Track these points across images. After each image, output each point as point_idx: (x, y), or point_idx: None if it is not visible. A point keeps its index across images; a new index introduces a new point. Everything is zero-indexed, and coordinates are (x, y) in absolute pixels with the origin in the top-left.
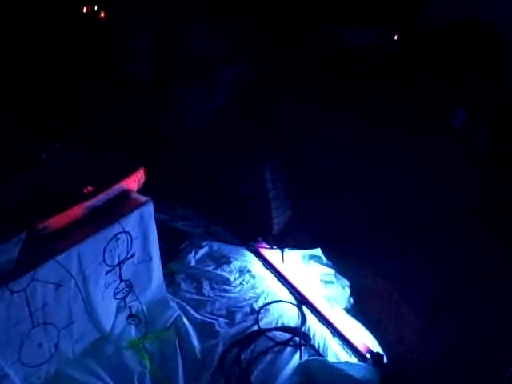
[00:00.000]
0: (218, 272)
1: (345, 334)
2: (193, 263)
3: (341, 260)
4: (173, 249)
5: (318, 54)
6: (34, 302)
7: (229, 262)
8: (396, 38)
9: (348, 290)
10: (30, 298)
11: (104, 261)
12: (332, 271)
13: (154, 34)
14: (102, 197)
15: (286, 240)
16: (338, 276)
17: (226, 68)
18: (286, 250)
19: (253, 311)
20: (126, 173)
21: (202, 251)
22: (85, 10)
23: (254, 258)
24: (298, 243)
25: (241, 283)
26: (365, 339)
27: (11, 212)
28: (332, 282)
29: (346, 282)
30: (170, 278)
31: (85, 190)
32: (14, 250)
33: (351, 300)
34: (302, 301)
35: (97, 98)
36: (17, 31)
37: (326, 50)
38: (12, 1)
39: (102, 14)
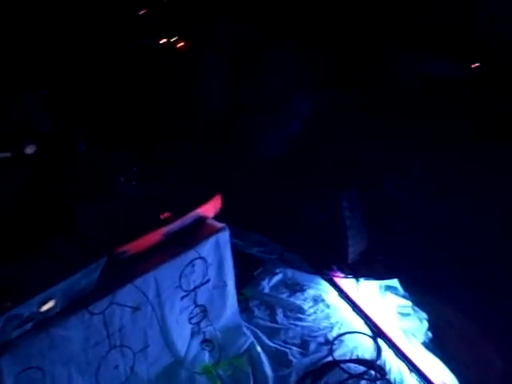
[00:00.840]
0: (292, 300)
1: (423, 370)
2: (267, 290)
3: (418, 292)
4: (247, 275)
5: (396, 83)
6: (112, 324)
7: (303, 290)
8: (473, 66)
9: (426, 324)
10: (108, 321)
11: (180, 286)
12: (409, 303)
13: (230, 63)
14: (178, 223)
15: (361, 269)
16: (416, 308)
17: (302, 97)
18: (362, 280)
19: (327, 341)
20: (203, 199)
21: (276, 278)
22: (163, 41)
23: (329, 286)
24: (374, 273)
25: (315, 312)
26: (444, 377)
27: (92, 237)
28: (409, 315)
29: (424, 315)
30: (243, 305)
31: (162, 216)
32: (95, 274)
33: (429, 334)
34: (377, 333)
35: (174, 125)
36: (100, 61)
37: (403, 79)
38: (96, 37)
39: (180, 45)
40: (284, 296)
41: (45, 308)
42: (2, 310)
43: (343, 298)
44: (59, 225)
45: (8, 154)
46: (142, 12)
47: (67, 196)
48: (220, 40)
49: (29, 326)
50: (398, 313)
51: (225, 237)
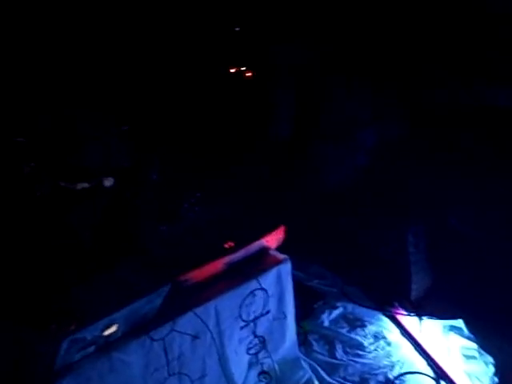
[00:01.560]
0: (352, 335)
1: None
2: (326, 324)
3: (485, 334)
4: (307, 307)
5: (462, 115)
6: (172, 351)
7: (363, 326)
8: None
9: (492, 368)
10: (168, 348)
11: (240, 316)
12: (474, 345)
13: (298, 94)
14: (241, 253)
15: (424, 307)
16: (481, 351)
17: (368, 130)
18: (425, 318)
19: (387, 381)
20: (267, 230)
21: (336, 312)
22: (233, 70)
23: (390, 323)
24: (438, 312)
25: (375, 349)
26: None
27: (157, 263)
28: (474, 358)
29: (490, 359)
30: (302, 337)
31: (226, 246)
32: (158, 301)
33: (496, 379)
34: (440, 374)
35: (240, 153)
36: (171, 91)
37: (467, 111)
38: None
39: (248, 74)
40: (344, 331)
41: (107, 332)
42: (66, 333)
43: (405, 336)
44: (126, 250)
45: (87, 185)
46: (214, 41)
47: (134, 223)
48: (288, 70)
49: (91, 349)
50: (463, 355)
51: (286, 268)
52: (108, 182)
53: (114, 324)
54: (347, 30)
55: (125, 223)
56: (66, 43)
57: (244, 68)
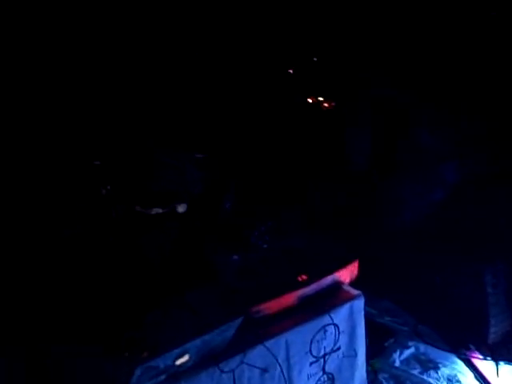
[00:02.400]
0: (425, 377)
1: None
2: (397, 363)
3: None
4: (377, 345)
5: None
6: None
7: (436, 368)
8: None
9: None
10: (237, 380)
11: (310, 351)
12: None
13: (378, 125)
14: (314, 286)
15: (501, 352)
16: None
17: (447, 166)
18: (502, 364)
19: None
20: (340, 263)
21: (407, 352)
22: (310, 100)
23: (465, 367)
24: None
25: None
26: None
27: (229, 294)
28: None
29: None
30: (372, 376)
31: (299, 278)
32: (230, 332)
33: None
34: None
35: (316, 183)
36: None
37: None
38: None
39: (326, 105)
40: (416, 372)
41: (179, 362)
42: (140, 360)
43: (481, 382)
44: (199, 279)
45: (160, 211)
46: (292, 70)
47: (207, 250)
48: (367, 101)
49: (162, 377)
50: None
51: (359, 305)
52: (181, 208)
53: (186, 354)
54: (436, 64)
55: (197, 251)
56: (149, 78)
57: (322, 98)
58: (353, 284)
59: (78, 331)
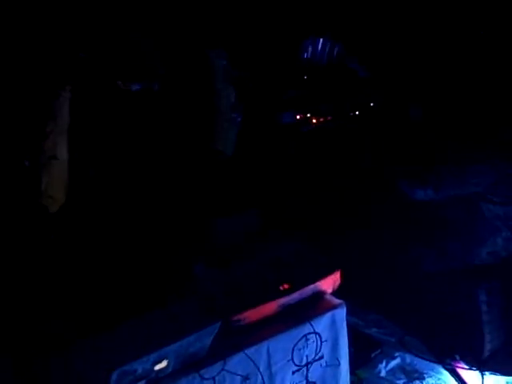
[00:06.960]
0: None
1: None
2: (383, 374)
3: None
4: (363, 355)
5: None
6: None
7: (422, 379)
8: None
9: None
10: None
11: (292, 359)
12: None
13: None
14: (296, 295)
15: (488, 363)
16: None
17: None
18: (487, 374)
19: None
20: (323, 273)
21: (393, 362)
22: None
23: (450, 377)
24: (503, 368)
25: None
26: None
27: (209, 302)
28: None
29: None
30: None
31: (281, 288)
32: (209, 339)
33: None
34: None
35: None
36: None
37: None
38: None
39: (314, 121)
40: (401, 382)
41: (158, 367)
42: (115, 364)
43: None
44: (179, 285)
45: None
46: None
47: (186, 258)
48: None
49: (142, 383)
50: None
51: (341, 314)
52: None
53: (164, 359)
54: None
55: (181, 262)
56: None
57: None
58: (340, 295)
59: (58, 337)
